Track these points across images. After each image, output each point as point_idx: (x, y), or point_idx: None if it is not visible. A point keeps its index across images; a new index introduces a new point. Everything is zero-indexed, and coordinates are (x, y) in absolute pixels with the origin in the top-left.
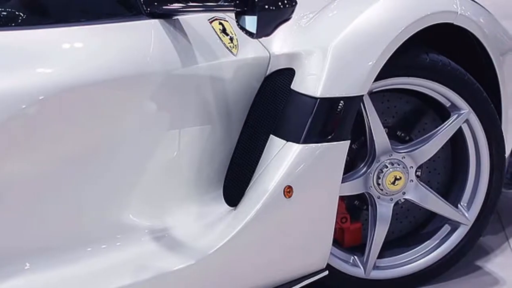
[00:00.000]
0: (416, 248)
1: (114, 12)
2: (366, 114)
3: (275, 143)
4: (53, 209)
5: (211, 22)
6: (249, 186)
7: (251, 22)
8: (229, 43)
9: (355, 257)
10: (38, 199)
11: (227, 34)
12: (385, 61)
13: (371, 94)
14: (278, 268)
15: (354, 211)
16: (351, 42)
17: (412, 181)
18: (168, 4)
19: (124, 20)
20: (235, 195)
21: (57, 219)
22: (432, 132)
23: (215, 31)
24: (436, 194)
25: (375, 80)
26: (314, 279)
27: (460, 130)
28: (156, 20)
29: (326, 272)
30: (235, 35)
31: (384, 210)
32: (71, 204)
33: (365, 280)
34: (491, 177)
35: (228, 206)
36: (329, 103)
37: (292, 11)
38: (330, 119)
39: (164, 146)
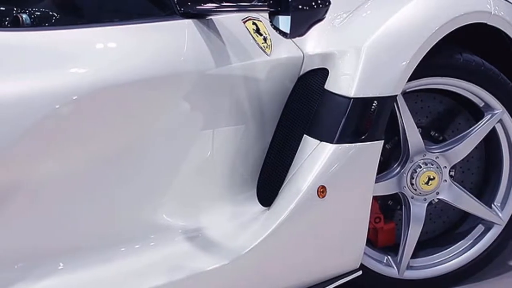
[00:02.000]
0: (450, 248)
1: (148, 12)
2: (400, 114)
3: (308, 143)
4: (87, 209)
5: (244, 22)
6: (283, 186)
7: (284, 22)
8: (262, 43)
9: (389, 257)
10: (72, 199)
11: (261, 34)
12: (418, 61)
13: (405, 94)
14: (312, 268)
15: (388, 211)
16: (384, 42)
17: (446, 181)
18: (202, 4)
19: (158, 20)
20: (268, 195)
21: (91, 219)
22: (466, 132)
23: (249, 31)
24: (470, 194)
25: (409, 80)
26: (348, 279)
27: (493, 130)
28: (190, 20)
29: (360, 272)
30: (269, 35)
31: (418, 210)
32: (105, 204)
33: (398, 280)
34: None
35: (261, 206)
36: (362, 103)
37: (326, 11)
38: (364, 119)
39: (198, 146)
